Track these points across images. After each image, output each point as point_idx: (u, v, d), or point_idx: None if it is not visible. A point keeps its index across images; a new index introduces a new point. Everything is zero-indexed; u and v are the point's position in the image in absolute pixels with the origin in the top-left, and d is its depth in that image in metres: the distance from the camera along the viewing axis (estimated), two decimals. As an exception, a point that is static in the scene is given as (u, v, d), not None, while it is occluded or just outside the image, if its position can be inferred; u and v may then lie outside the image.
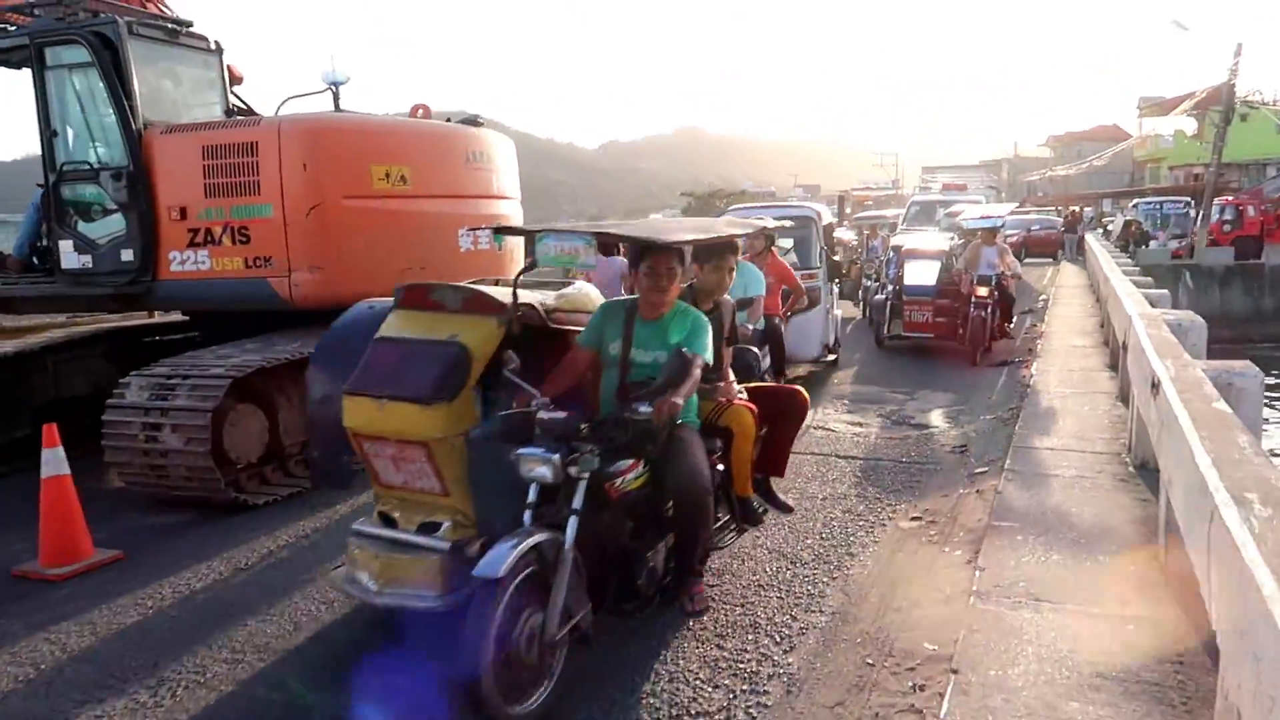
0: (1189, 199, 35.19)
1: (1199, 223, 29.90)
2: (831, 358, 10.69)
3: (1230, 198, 34.43)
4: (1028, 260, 29.64)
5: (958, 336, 11.31)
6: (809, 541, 5.30)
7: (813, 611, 4.33)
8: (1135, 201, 37.75)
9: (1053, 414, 7.63)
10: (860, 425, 8.22)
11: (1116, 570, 4.20)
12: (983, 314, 10.96)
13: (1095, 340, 11.69)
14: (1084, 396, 8.25)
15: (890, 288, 12.43)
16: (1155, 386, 4.03)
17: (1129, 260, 14.88)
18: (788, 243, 9.52)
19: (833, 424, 8.31)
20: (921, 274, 11.93)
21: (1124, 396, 7.85)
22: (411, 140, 7.41)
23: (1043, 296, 18.08)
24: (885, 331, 12.32)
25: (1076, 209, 39.59)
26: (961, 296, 11.36)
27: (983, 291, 10.97)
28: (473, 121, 8.11)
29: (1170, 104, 47.01)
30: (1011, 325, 12.19)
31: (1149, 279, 10.14)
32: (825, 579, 4.74)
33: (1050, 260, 29.78)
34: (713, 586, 4.62)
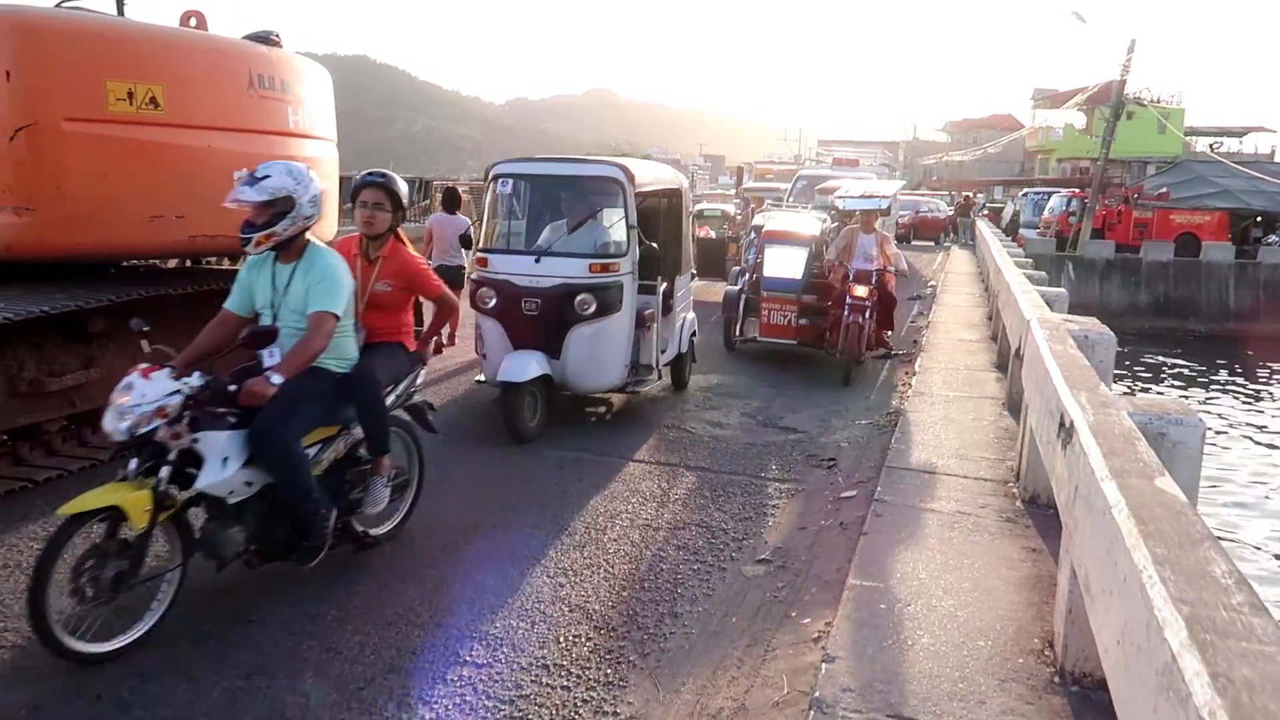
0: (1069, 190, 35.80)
1: (1083, 216, 30.30)
2: (652, 384, 7.19)
3: (1075, 190, 35.35)
4: (915, 243, 29.51)
5: (827, 344, 9.31)
6: (625, 594, 4.16)
7: (604, 716, 3.18)
8: (1024, 190, 38.23)
9: (934, 423, 6.71)
10: (719, 426, 7.14)
11: (999, 670, 3.19)
12: (859, 319, 8.76)
13: (983, 334, 10.99)
14: (969, 402, 7.39)
15: (747, 278, 10.06)
16: (1067, 431, 2.99)
17: (1019, 250, 14.27)
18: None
19: (689, 422, 7.21)
20: (784, 264, 9.60)
21: (1012, 406, 7.01)
22: (168, 53, 5.82)
23: (931, 283, 17.52)
24: (738, 332, 10.00)
25: (970, 194, 39.90)
26: (833, 295, 9.22)
27: (860, 291, 8.80)
28: (264, 39, 6.55)
29: (1062, 97, 48.00)
30: (891, 334, 9.87)
31: (1042, 273, 9.39)
32: (634, 657, 3.60)
33: (934, 244, 29.69)
34: (480, 669, 3.42)
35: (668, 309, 7.40)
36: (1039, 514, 4.77)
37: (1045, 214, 32.68)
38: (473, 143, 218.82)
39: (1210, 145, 51.29)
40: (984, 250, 17.26)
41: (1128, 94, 29.80)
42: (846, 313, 8.75)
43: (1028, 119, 59.26)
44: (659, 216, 7.76)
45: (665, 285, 7.32)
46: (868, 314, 8.79)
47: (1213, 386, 18.83)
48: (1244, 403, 17.53)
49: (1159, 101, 44.43)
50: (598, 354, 6.49)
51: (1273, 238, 31.03)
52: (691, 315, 8.17)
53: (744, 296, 9.83)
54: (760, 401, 8.00)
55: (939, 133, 77.22)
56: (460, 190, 10.84)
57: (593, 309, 6.32)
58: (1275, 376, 20.04)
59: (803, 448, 6.65)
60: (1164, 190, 35.76)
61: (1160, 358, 21.24)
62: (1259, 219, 34.18)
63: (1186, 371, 20.24)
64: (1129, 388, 17.74)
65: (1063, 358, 3.84)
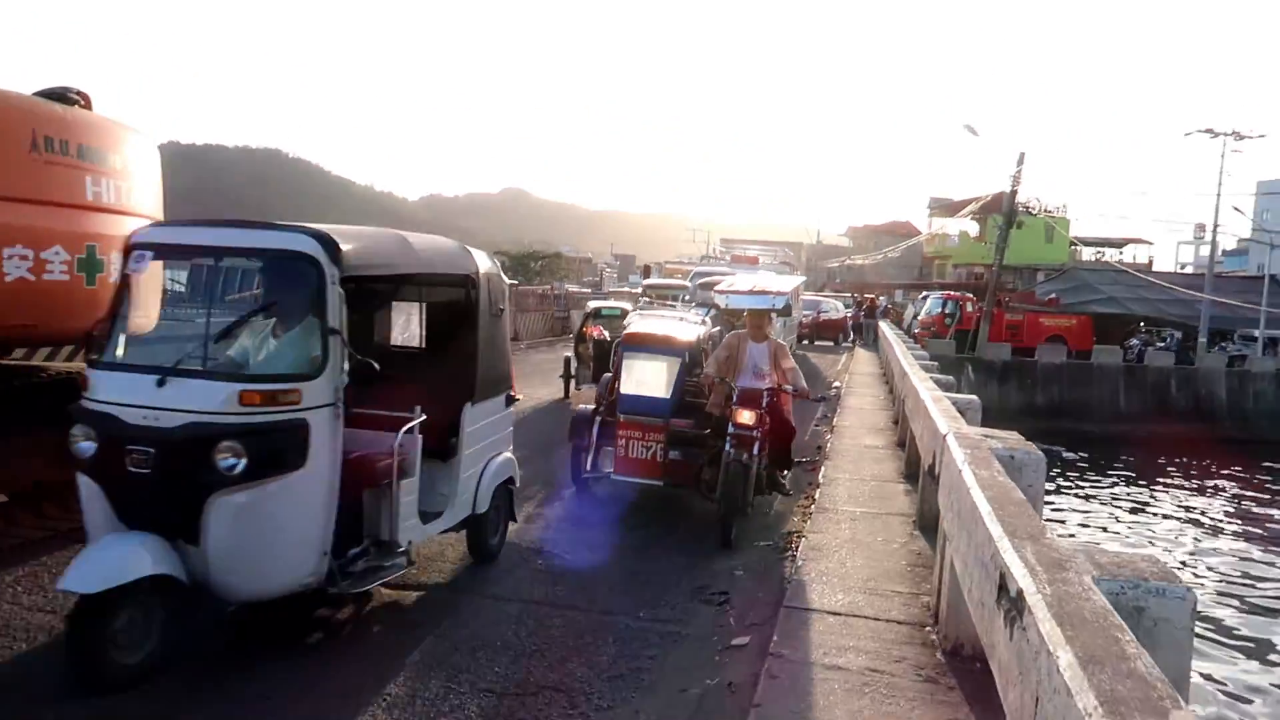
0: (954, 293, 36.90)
1: (979, 321, 31.04)
2: (395, 572, 4.70)
3: (951, 292, 36.64)
4: (818, 343, 29.53)
5: (703, 485, 6.79)
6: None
7: None
8: (924, 294, 39.16)
9: (839, 546, 5.92)
10: (591, 548, 6.12)
11: None
12: (743, 457, 6.32)
13: (889, 440, 10.41)
14: (877, 520, 6.64)
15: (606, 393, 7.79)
16: (1013, 602, 2.18)
17: (923, 353, 13.97)
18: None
19: (552, 543, 6.20)
20: (649, 378, 7.29)
21: (924, 525, 6.29)
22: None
23: (835, 384, 17.11)
24: (587, 464, 7.34)
25: (873, 296, 40.72)
26: (711, 420, 6.90)
27: (745, 418, 6.43)
28: (60, 95, 5.56)
29: (956, 206, 50.10)
30: (787, 476, 7.33)
31: (950, 378, 8.88)
32: None
33: (833, 344, 29.78)
34: None
35: (451, 451, 5.20)
36: (963, 669, 3.95)
37: (922, 315, 33.51)
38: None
39: (1095, 255, 54.22)
40: (888, 352, 17.01)
41: (1018, 203, 30.93)
42: (728, 447, 6.35)
43: (924, 226, 61.69)
44: (445, 316, 5.73)
45: (429, 417, 4.83)
46: (756, 449, 6.44)
47: (1115, 487, 18.78)
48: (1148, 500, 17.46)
49: (1047, 210, 46.71)
50: (263, 538, 3.97)
51: (1135, 340, 32.43)
52: (506, 456, 5.77)
53: (599, 418, 7.41)
54: (641, 515, 7.06)
55: (841, 237, 79.91)
56: None
57: (241, 466, 3.83)
58: (1166, 475, 20.17)
59: (691, 576, 5.71)
60: (1053, 296, 37.19)
61: (1064, 457, 21.25)
62: (1142, 324, 35.73)
63: (1089, 472, 20.22)
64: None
65: (991, 488, 3.08)
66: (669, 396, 7.16)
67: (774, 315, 8.33)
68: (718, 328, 8.73)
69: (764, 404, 6.58)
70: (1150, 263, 53.82)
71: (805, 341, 28.59)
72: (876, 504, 7.16)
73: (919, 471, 7.20)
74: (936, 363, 11.10)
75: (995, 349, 29.31)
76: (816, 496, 7.32)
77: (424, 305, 6.03)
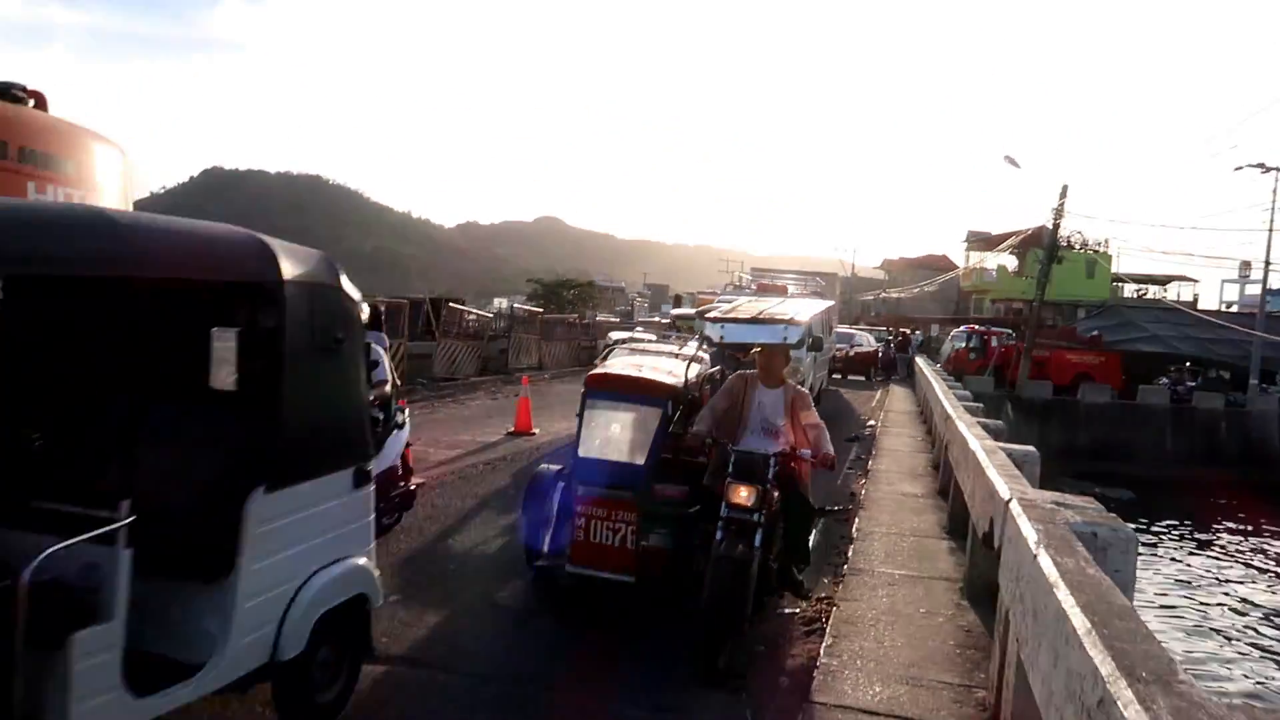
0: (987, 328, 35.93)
1: (1019, 357, 30.02)
2: None
3: (975, 326, 35.66)
4: (850, 379, 28.62)
5: (689, 584, 4.92)
6: None
7: None
8: (952, 332, 38.19)
9: (876, 620, 5.17)
10: (582, 608, 5.40)
11: None
12: (737, 550, 4.57)
13: (929, 487, 9.61)
14: (919, 585, 5.88)
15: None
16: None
17: (966, 392, 13.14)
18: None
19: (535, 604, 5.48)
20: (617, 435, 5.62)
21: (973, 594, 5.53)
22: None
23: (870, 423, 16.28)
24: (545, 544, 5.52)
25: (907, 331, 39.76)
26: (701, 495, 5.15)
27: (742, 495, 4.69)
28: (3, 93, 5.02)
29: (994, 240, 49.03)
30: (803, 573, 5.48)
31: (999, 423, 8.11)
32: None
33: (863, 379, 28.80)
34: None
35: (219, 566, 3.16)
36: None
37: (944, 349, 32.64)
38: (420, 264, 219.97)
39: (1137, 291, 52.78)
40: (926, 389, 16.18)
41: (1060, 237, 30.00)
42: (719, 535, 4.64)
43: (961, 259, 60.59)
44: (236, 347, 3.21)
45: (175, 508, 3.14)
46: (758, 539, 4.63)
47: (1165, 536, 17.69)
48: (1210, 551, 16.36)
49: (1087, 246, 45.56)
50: None
51: (1165, 380, 31.23)
52: (352, 566, 3.75)
53: (561, 483, 5.57)
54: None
55: (876, 270, 78.90)
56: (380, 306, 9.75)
57: None
58: (1223, 524, 19.01)
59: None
60: (1096, 333, 36.00)
61: (1104, 497, 20.13)
62: (1187, 364, 34.42)
63: (1139, 517, 19.11)
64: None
65: (1083, 588, 2.36)
66: (644, 460, 5.33)
67: (792, 350, 6.74)
68: (718, 366, 6.85)
69: (769, 475, 4.75)
70: (1195, 300, 52.27)
71: (837, 376, 27.70)
72: (917, 564, 6.39)
73: (963, 526, 6.46)
74: (981, 404, 10.30)
75: (1035, 387, 28.33)
76: (850, 554, 6.57)
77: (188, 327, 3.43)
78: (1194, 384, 31.39)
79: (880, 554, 6.64)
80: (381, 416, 5.78)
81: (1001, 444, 5.68)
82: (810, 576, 6.43)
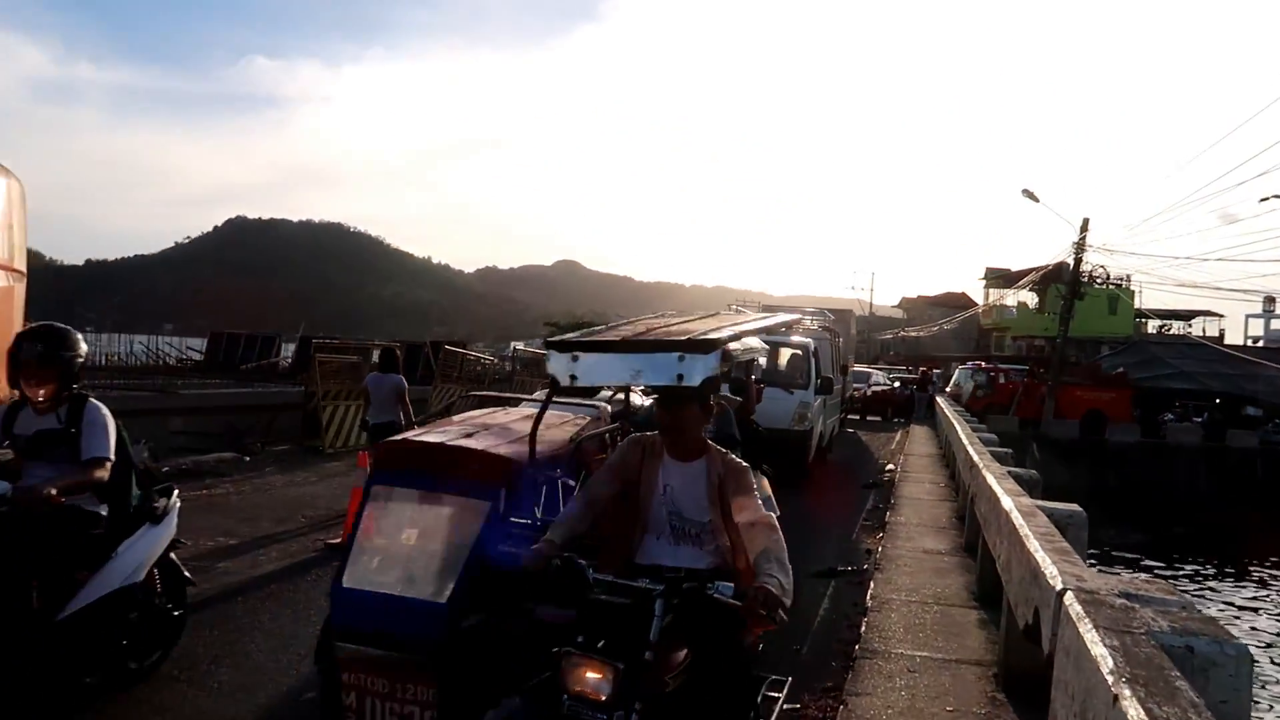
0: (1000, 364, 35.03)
1: (1025, 393, 29.05)
2: None
3: (980, 362, 34.68)
4: (869, 420, 27.57)
5: None
6: None
7: None
8: (958, 369, 37.27)
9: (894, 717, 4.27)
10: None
11: None
12: None
13: (953, 542, 8.68)
14: (944, 672, 4.97)
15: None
16: None
17: (990, 434, 12.24)
18: None
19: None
20: (404, 555, 3.74)
21: (1009, 685, 4.63)
22: None
23: (889, 467, 15.32)
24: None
25: (926, 369, 38.81)
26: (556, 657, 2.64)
27: (591, 680, 2.46)
28: None
29: (1014, 277, 48.10)
30: None
31: (1033, 473, 7.21)
32: None
33: (881, 419, 27.79)
34: None
35: None
36: None
37: (949, 387, 31.64)
38: (440, 309, 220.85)
39: (1159, 327, 51.53)
40: (948, 431, 15.25)
41: (1082, 271, 29.12)
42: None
43: (980, 296, 59.52)
44: None
45: None
46: None
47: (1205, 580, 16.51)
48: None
49: (1109, 281, 44.49)
50: None
51: (1170, 415, 30.29)
52: None
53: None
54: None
55: (894, 309, 77.88)
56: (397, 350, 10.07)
57: None
58: (1265, 567, 17.78)
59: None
60: (1121, 370, 34.87)
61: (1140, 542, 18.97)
62: (1218, 400, 33.24)
63: (1173, 558, 17.94)
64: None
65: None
66: (447, 595, 3.44)
67: (796, 391, 4.84)
68: (615, 423, 4.90)
69: (653, 632, 2.56)
70: (1221, 335, 50.94)
71: (855, 417, 26.68)
72: (943, 642, 5.48)
73: (994, 591, 5.58)
74: (1010, 450, 9.38)
75: (1061, 426, 27.30)
76: (863, 629, 5.67)
77: None
78: (1199, 419, 30.47)
79: (899, 629, 5.73)
80: (104, 512, 4.05)
81: (1039, 502, 4.79)
82: (815, 654, 5.57)
